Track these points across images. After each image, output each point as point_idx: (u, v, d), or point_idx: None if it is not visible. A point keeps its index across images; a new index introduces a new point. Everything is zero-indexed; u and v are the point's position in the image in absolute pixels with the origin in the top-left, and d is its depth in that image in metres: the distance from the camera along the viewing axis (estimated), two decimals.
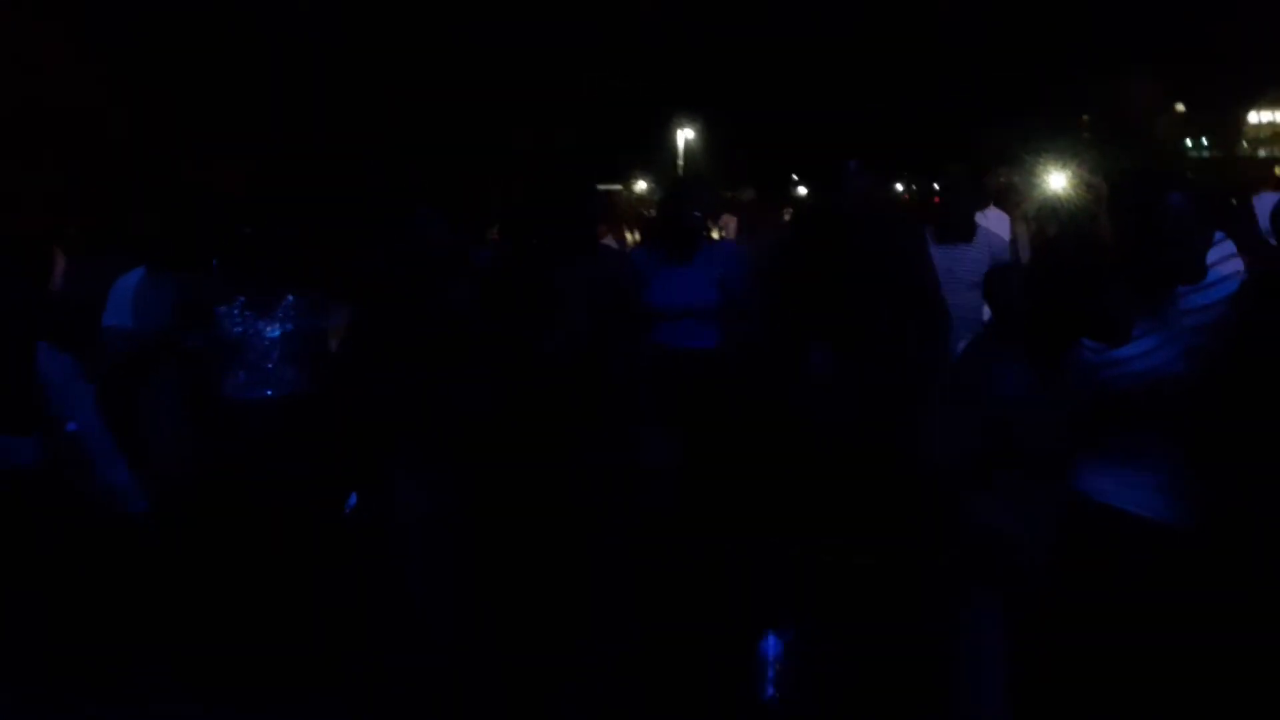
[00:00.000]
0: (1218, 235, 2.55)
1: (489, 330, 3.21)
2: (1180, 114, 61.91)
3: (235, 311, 3.52)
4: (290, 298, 3.54)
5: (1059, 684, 2.69)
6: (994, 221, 6.70)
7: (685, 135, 39.01)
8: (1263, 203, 3.70)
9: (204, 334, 3.59)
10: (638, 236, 9.40)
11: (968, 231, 5.58)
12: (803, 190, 50.63)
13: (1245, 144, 59.91)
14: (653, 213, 14.57)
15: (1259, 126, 61.79)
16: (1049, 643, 2.68)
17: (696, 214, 4.43)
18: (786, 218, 12.48)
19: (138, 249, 4.42)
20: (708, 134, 39.75)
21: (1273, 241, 3.24)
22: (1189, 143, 59.76)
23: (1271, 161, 51.45)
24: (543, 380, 3.19)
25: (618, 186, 27.99)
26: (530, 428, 3.15)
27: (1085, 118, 47.83)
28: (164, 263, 4.06)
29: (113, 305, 4.19)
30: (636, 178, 35.04)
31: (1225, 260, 2.54)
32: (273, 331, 3.67)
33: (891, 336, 3.25)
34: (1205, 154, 57.36)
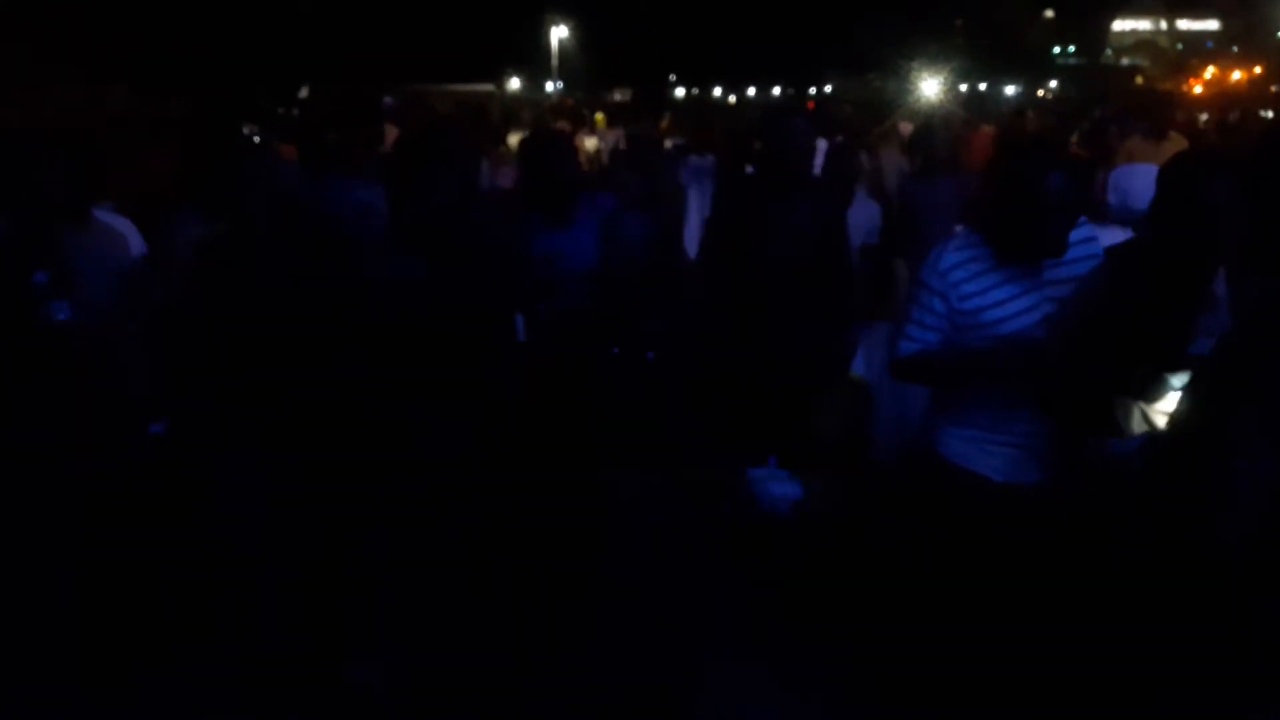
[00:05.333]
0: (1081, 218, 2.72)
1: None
2: (1049, 20, 63.13)
3: None
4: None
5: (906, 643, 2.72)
6: (887, 161, 6.73)
7: (559, 33, 37.73)
8: (1124, 175, 3.74)
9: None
10: (512, 143, 8.80)
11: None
12: (680, 91, 50.03)
13: (1110, 51, 61.68)
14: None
15: (1122, 34, 63.61)
16: (897, 599, 2.75)
17: (571, 171, 3.83)
18: (665, 124, 12.07)
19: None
20: (582, 32, 38.62)
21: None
22: (1056, 49, 61.14)
23: (1133, 70, 52.98)
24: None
25: (490, 86, 26.76)
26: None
27: (959, 22, 48.30)
28: None
29: None
30: (509, 76, 33.81)
31: (1086, 241, 2.66)
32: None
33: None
34: (1070, 60, 58.85)
